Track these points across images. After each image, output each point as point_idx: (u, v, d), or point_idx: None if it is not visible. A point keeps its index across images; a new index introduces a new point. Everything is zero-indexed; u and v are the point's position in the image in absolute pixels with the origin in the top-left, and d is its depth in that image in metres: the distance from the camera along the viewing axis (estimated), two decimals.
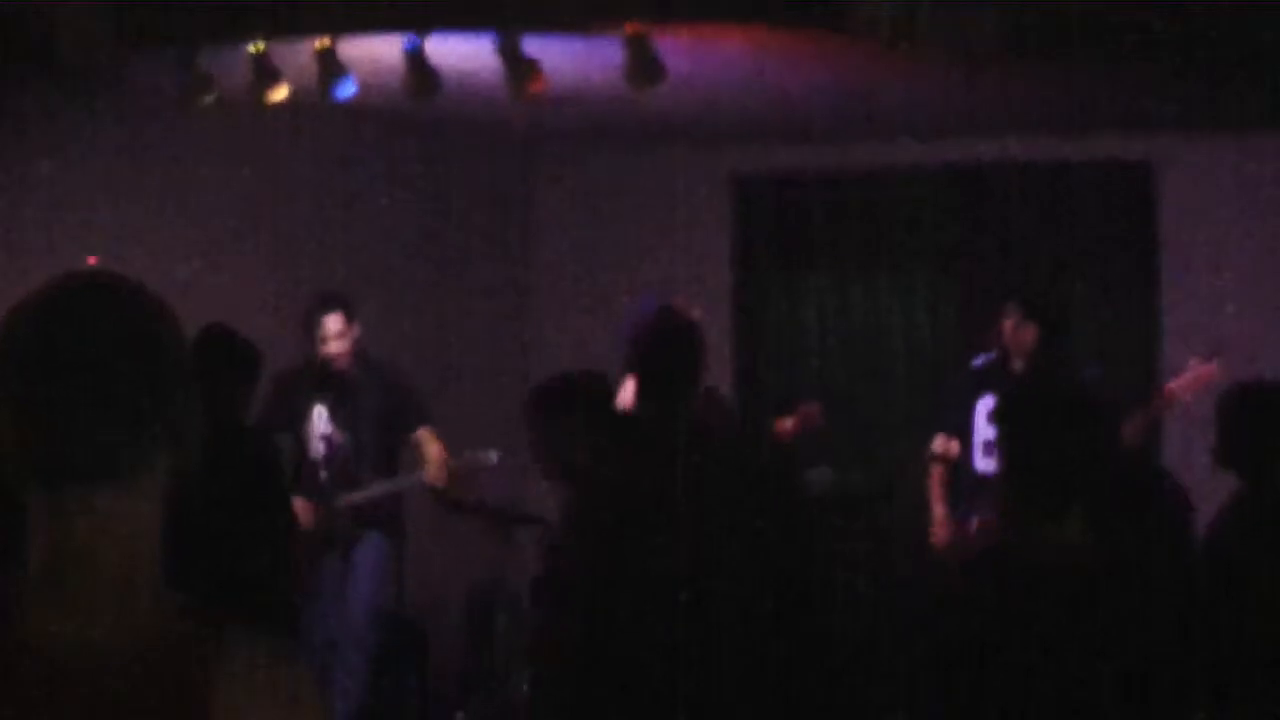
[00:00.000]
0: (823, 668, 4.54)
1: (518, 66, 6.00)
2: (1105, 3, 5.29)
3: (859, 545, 8.16)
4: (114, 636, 1.54)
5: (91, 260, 6.63)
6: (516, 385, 8.42)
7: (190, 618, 1.57)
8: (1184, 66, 6.13)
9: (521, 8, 5.63)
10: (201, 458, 1.64)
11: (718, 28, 5.93)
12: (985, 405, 6.28)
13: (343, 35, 6.04)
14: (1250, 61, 6.04)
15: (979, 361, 6.60)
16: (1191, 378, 6.23)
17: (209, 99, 6.34)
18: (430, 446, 6.72)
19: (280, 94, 6.33)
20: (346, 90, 6.27)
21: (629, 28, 5.70)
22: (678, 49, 6.00)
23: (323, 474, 6.72)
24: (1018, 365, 6.38)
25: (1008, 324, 6.33)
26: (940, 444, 6.64)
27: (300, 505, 6.49)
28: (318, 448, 6.73)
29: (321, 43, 6.09)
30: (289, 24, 5.82)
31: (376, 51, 6.18)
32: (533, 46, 5.98)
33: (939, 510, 6.56)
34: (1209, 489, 4.60)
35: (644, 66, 5.84)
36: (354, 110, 6.67)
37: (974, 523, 6.42)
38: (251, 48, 6.13)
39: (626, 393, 6.19)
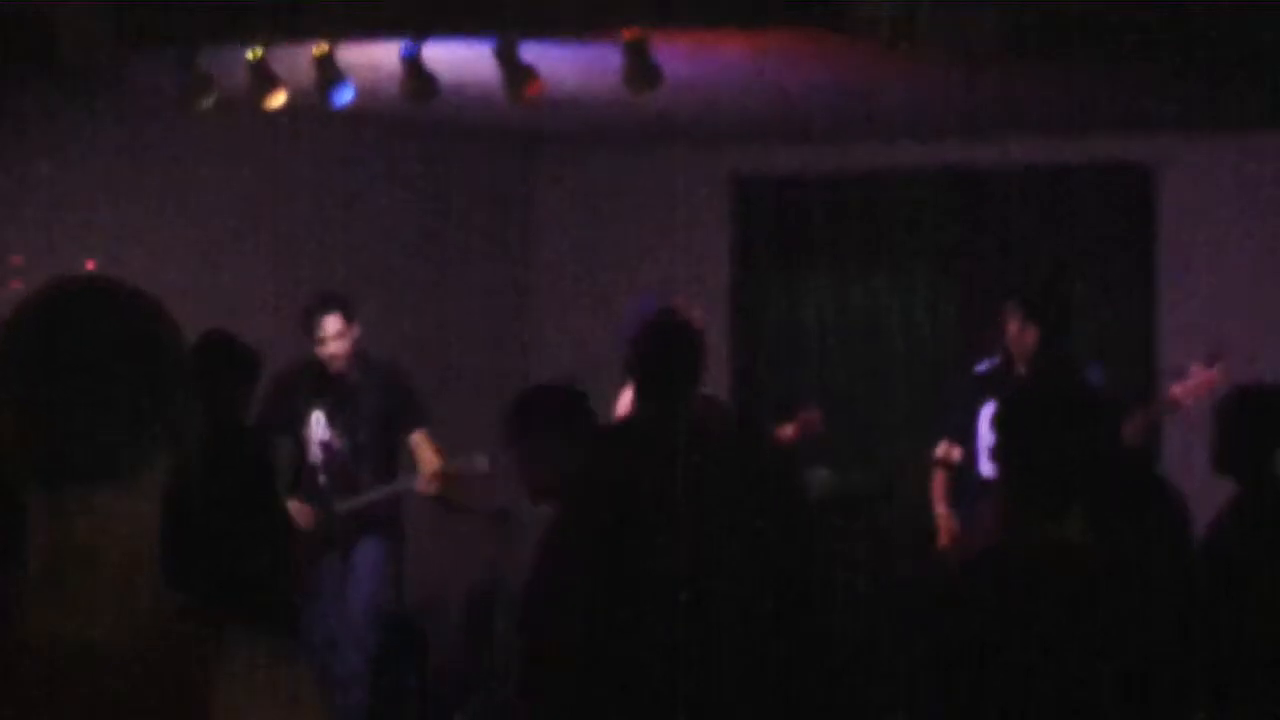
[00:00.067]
0: (823, 668, 4.54)
1: (515, 71, 6.01)
2: (1105, 2, 5.29)
3: (858, 545, 8.16)
4: (114, 636, 1.54)
5: (90, 264, 6.63)
6: (516, 386, 8.42)
7: (190, 618, 1.57)
8: (1184, 66, 6.13)
9: (519, 13, 5.63)
10: (201, 459, 1.64)
11: (717, 32, 5.93)
12: (989, 410, 6.27)
13: (341, 40, 6.04)
14: (1250, 61, 6.04)
15: (983, 366, 6.58)
16: (1194, 383, 6.22)
17: (208, 102, 6.34)
18: (424, 452, 6.70)
19: (278, 100, 6.32)
20: (345, 96, 6.27)
21: (627, 33, 5.70)
22: (676, 51, 6.00)
23: (321, 478, 6.71)
24: (1021, 369, 6.37)
25: (1010, 327, 6.31)
26: (943, 449, 6.63)
27: (298, 508, 6.49)
28: (316, 452, 6.71)
29: (320, 48, 6.09)
30: (287, 29, 5.81)
31: (375, 56, 6.18)
32: (530, 52, 5.99)
33: (942, 515, 6.56)
34: (1207, 494, 4.60)
35: (642, 71, 5.85)
36: (353, 113, 6.66)
37: (980, 527, 6.41)
38: (250, 54, 6.13)
39: (625, 399, 6.19)
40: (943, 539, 6.53)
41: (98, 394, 1.55)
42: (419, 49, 6.06)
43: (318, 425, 6.71)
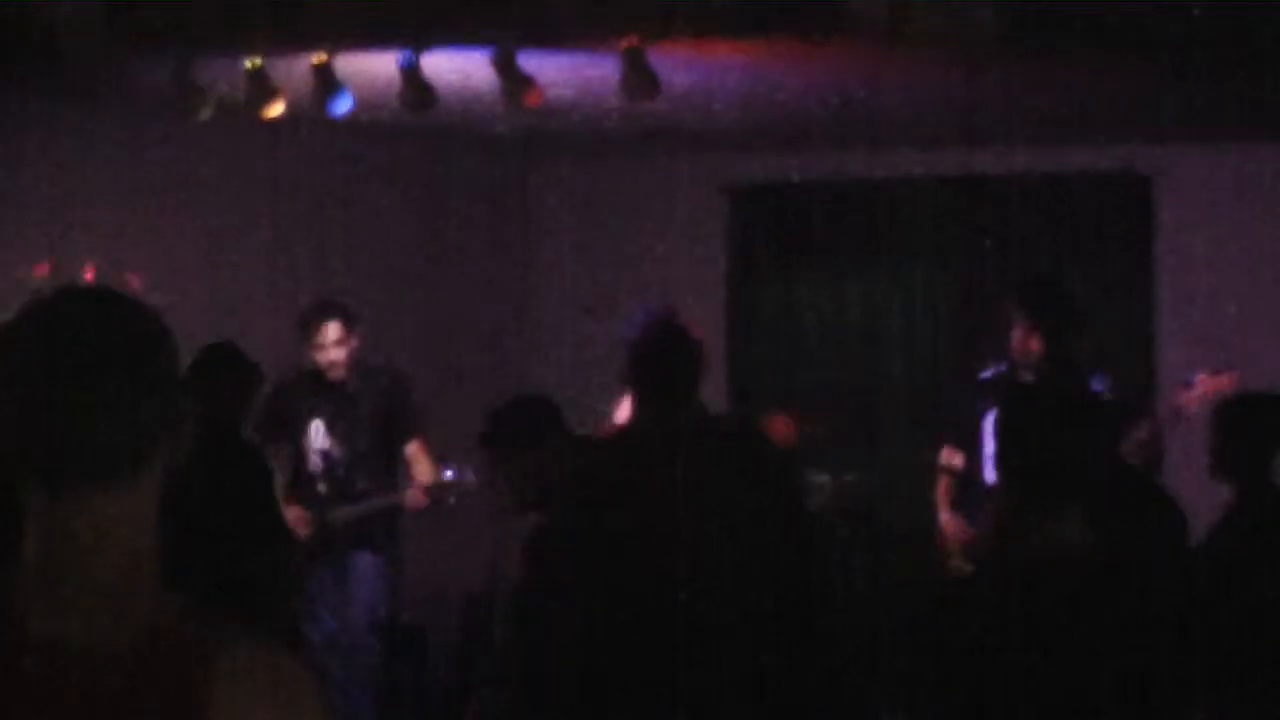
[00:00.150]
0: (823, 668, 4.54)
1: (514, 80, 6.01)
2: (1105, 2, 5.28)
3: (858, 546, 8.16)
4: (114, 637, 1.54)
5: (89, 274, 6.63)
6: (515, 391, 8.42)
7: (190, 619, 1.58)
8: (1183, 68, 6.12)
9: (517, 22, 5.63)
10: (200, 464, 1.65)
11: (714, 41, 5.93)
12: (993, 417, 6.23)
13: (339, 50, 6.04)
14: (1249, 66, 6.04)
15: (988, 373, 6.56)
16: (1200, 392, 6.18)
17: (205, 112, 6.34)
18: (419, 464, 6.69)
19: (276, 109, 6.32)
20: (343, 106, 6.27)
21: (624, 42, 5.70)
22: (674, 60, 6.00)
23: (320, 486, 6.69)
24: (1025, 377, 6.35)
25: (1015, 336, 6.28)
26: (947, 455, 6.61)
27: (295, 516, 6.47)
28: (315, 460, 6.70)
29: (318, 58, 6.09)
30: (285, 38, 5.81)
31: (373, 66, 6.18)
32: (528, 61, 5.99)
33: (945, 521, 6.54)
34: (1203, 502, 4.60)
35: (639, 80, 5.85)
36: (353, 119, 6.66)
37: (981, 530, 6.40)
38: (248, 63, 6.13)
39: (623, 408, 6.19)
40: (946, 546, 6.51)
41: (97, 396, 1.55)
42: (417, 58, 6.06)
43: (317, 434, 6.69)
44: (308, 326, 6.61)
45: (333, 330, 6.58)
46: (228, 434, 5.58)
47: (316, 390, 6.67)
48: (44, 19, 5.26)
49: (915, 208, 8.99)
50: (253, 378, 5.78)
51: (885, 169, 8.96)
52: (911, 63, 6.16)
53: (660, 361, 4.47)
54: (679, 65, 6.11)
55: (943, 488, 6.59)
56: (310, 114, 6.38)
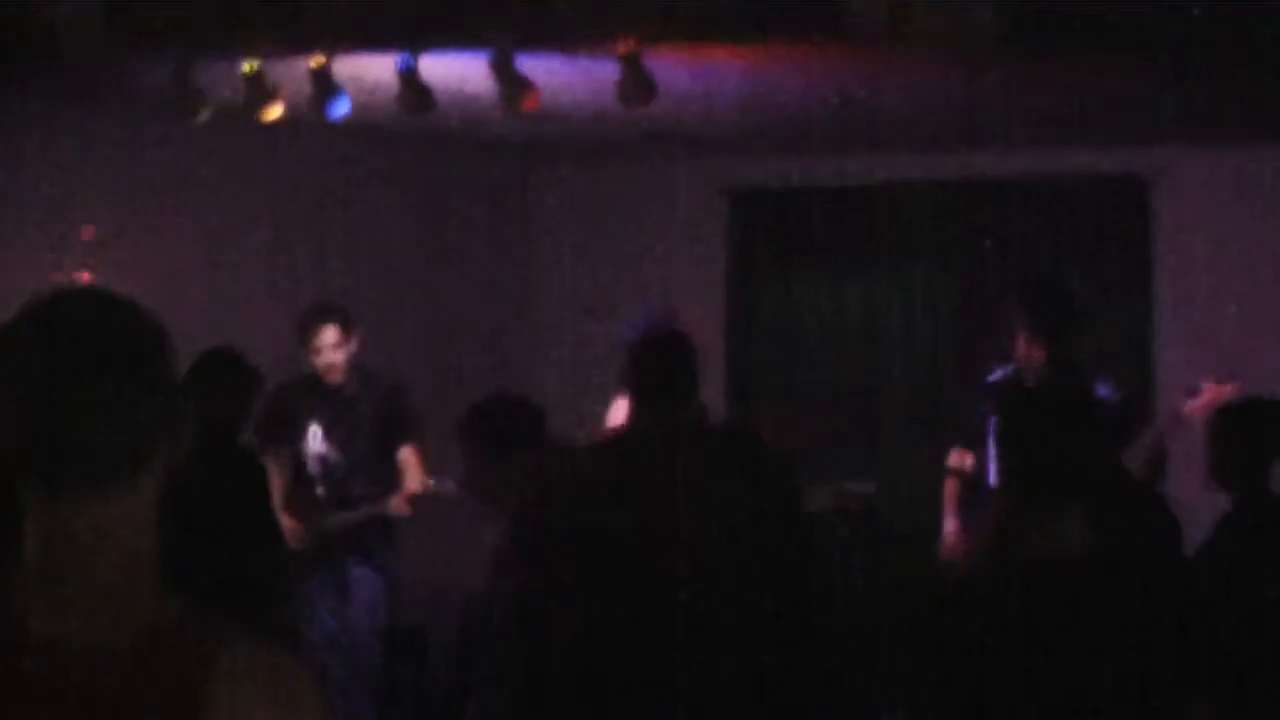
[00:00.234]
0: (823, 668, 4.54)
1: (511, 84, 6.01)
2: (1104, 2, 5.28)
3: (858, 545, 8.16)
4: (114, 637, 1.54)
5: (85, 276, 6.63)
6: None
7: (190, 619, 1.58)
8: (1182, 68, 6.12)
9: (515, 26, 5.63)
10: (198, 468, 1.65)
11: (712, 44, 5.93)
12: (994, 418, 6.22)
13: (337, 53, 6.04)
14: (1248, 64, 6.04)
15: (995, 376, 6.56)
16: (1206, 400, 6.16)
17: (204, 115, 6.34)
18: (410, 470, 6.68)
19: (275, 113, 6.32)
20: (341, 109, 6.27)
21: (622, 46, 5.70)
22: (672, 63, 6.00)
23: (318, 490, 6.69)
24: (1030, 381, 6.34)
25: (1018, 343, 6.28)
26: (956, 458, 6.60)
27: (288, 526, 6.47)
28: (313, 466, 6.69)
29: (316, 61, 6.09)
30: (283, 41, 5.81)
31: (372, 69, 6.18)
32: (526, 64, 5.99)
33: (951, 524, 6.53)
34: (1206, 508, 4.59)
35: (637, 84, 5.85)
36: (353, 122, 6.65)
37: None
38: (246, 67, 6.12)
39: (617, 412, 6.20)
40: (951, 549, 6.49)
41: (97, 397, 1.56)
42: (415, 62, 6.06)
43: (314, 439, 6.68)
44: (305, 330, 6.59)
45: (330, 334, 6.56)
46: (225, 438, 5.59)
47: (314, 395, 6.66)
48: (44, 19, 5.26)
49: (914, 210, 9.00)
50: (252, 382, 5.78)
51: (884, 172, 8.96)
52: (910, 65, 6.16)
53: (660, 364, 4.49)
54: (677, 68, 6.11)
55: (951, 490, 6.58)
56: (310, 116, 6.37)
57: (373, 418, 6.67)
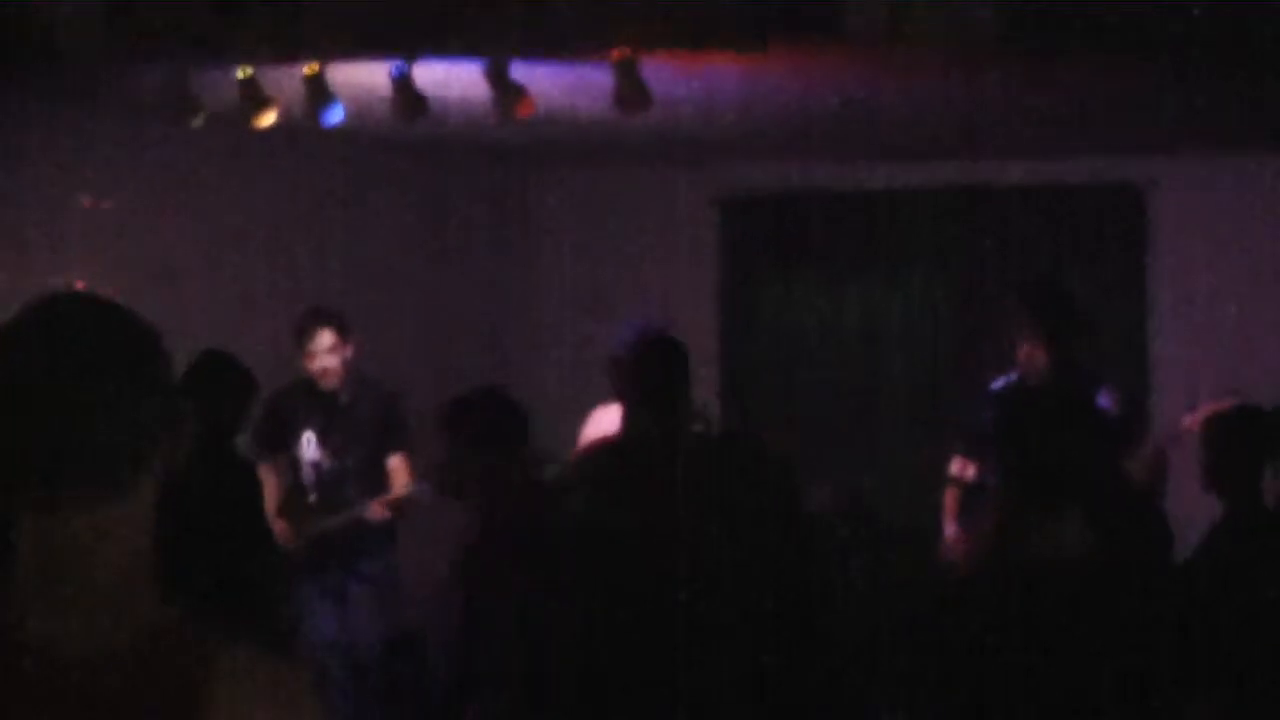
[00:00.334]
0: (823, 668, 4.55)
1: (506, 91, 6.01)
2: (1103, 3, 5.28)
3: (858, 545, 8.16)
4: (113, 638, 1.54)
5: (80, 284, 6.62)
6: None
7: (189, 620, 1.58)
8: (1179, 71, 6.13)
9: (509, 33, 5.62)
10: (194, 473, 1.65)
11: (708, 52, 5.92)
12: (995, 419, 6.20)
13: (331, 60, 6.03)
14: (1246, 68, 6.04)
15: (999, 384, 6.56)
16: (1204, 417, 6.14)
17: (198, 121, 6.34)
18: (398, 477, 6.67)
19: (268, 119, 6.31)
20: (335, 116, 6.27)
21: (616, 53, 5.69)
22: (668, 69, 5.99)
23: (312, 497, 6.68)
24: (1035, 387, 6.33)
25: (1021, 349, 6.27)
26: (957, 467, 6.59)
27: (282, 529, 6.46)
28: (307, 472, 6.68)
29: (310, 68, 6.09)
30: (278, 48, 5.80)
31: (365, 76, 6.18)
32: (521, 72, 5.99)
33: (951, 532, 6.53)
34: (1205, 519, 4.60)
35: (632, 91, 5.85)
36: (350, 128, 6.65)
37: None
38: (240, 72, 6.12)
39: (602, 419, 6.20)
40: (951, 552, 6.49)
41: (97, 399, 1.55)
42: (409, 69, 6.06)
43: (308, 445, 6.67)
44: (301, 334, 6.58)
45: (325, 338, 6.54)
46: (219, 441, 5.57)
47: (309, 401, 6.65)
48: (44, 20, 5.26)
49: (911, 216, 9.01)
50: (246, 385, 5.75)
51: (881, 177, 8.98)
52: (908, 69, 6.16)
53: (658, 368, 4.50)
54: (673, 74, 6.11)
55: (951, 499, 6.57)
56: (308, 124, 6.37)
57: (367, 424, 6.65)
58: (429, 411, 6.97)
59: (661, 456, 4.40)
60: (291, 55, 5.93)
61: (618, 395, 5.53)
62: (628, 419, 4.65)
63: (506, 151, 8.73)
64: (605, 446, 4.77)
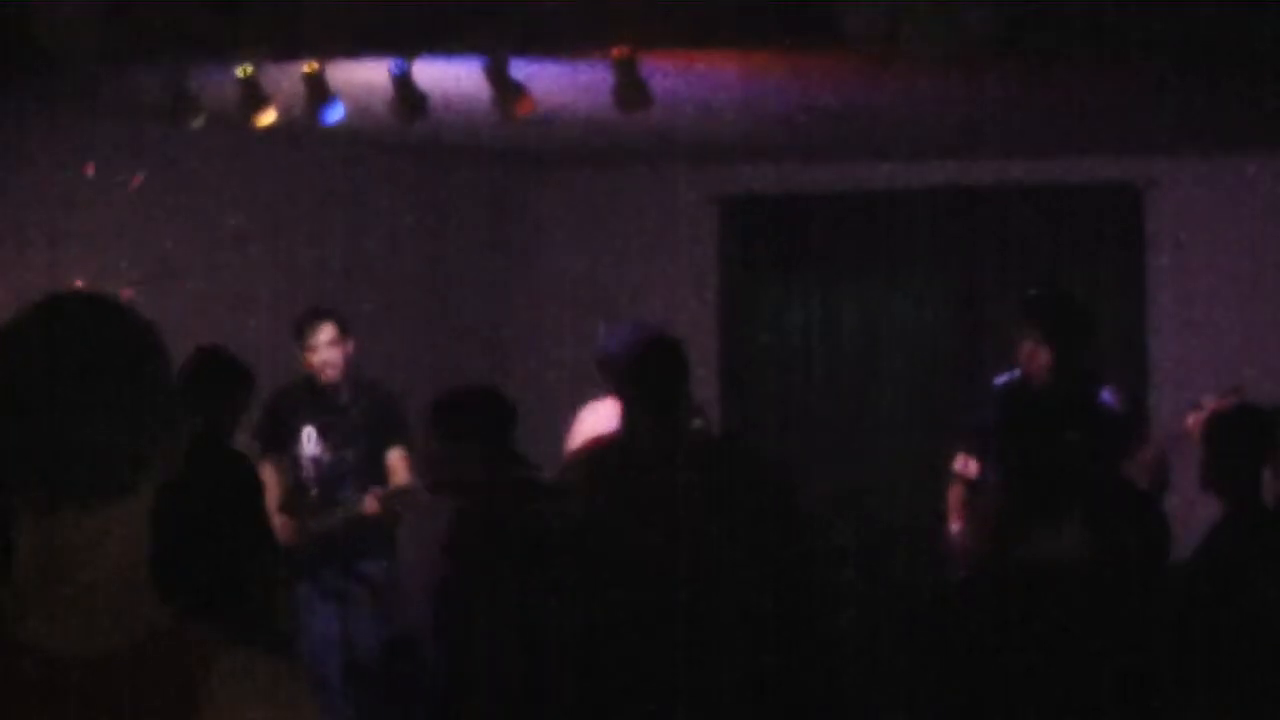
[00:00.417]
0: (823, 668, 4.55)
1: (506, 89, 6.01)
2: (1100, 5, 5.28)
3: (858, 545, 8.17)
4: (113, 639, 1.54)
5: (78, 284, 6.62)
6: (507, 394, 8.43)
7: (188, 620, 1.58)
8: (1175, 74, 6.13)
9: (509, 31, 5.62)
10: (189, 475, 1.65)
11: (707, 50, 5.92)
12: (996, 419, 6.19)
13: (331, 59, 6.03)
14: (1241, 71, 6.04)
15: (1002, 380, 6.56)
16: (1207, 415, 6.14)
17: (198, 121, 6.34)
18: (396, 473, 6.68)
19: (268, 118, 6.31)
20: (334, 115, 6.27)
21: (616, 51, 5.69)
22: (666, 69, 5.99)
23: (313, 493, 6.69)
24: (1036, 385, 6.33)
25: (1023, 349, 6.27)
26: (960, 463, 6.59)
27: (283, 524, 6.47)
28: (308, 469, 6.69)
29: (310, 66, 6.09)
30: (278, 46, 5.80)
31: (366, 75, 6.18)
32: (521, 70, 5.99)
33: (955, 529, 6.53)
34: (1206, 519, 4.59)
35: (632, 89, 5.85)
36: (350, 128, 6.65)
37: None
38: (240, 71, 6.13)
39: (588, 422, 6.20)
40: (954, 554, 6.48)
41: (98, 402, 1.55)
42: (409, 67, 6.06)
43: (309, 441, 6.68)
44: (302, 330, 6.60)
45: (326, 332, 6.57)
46: (217, 439, 5.55)
47: (310, 398, 6.67)
48: (44, 21, 5.26)
49: (909, 217, 9.01)
50: (243, 382, 5.72)
51: (880, 177, 8.98)
52: (906, 73, 6.16)
53: (659, 370, 4.51)
54: (673, 74, 6.11)
55: (954, 495, 6.57)
56: (307, 122, 6.37)
57: (367, 421, 6.67)
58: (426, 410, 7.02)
59: (661, 457, 4.40)
60: (291, 54, 5.93)
61: (613, 395, 5.53)
62: (627, 419, 4.65)
63: (506, 151, 8.73)
64: (603, 447, 4.76)
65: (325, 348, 6.57)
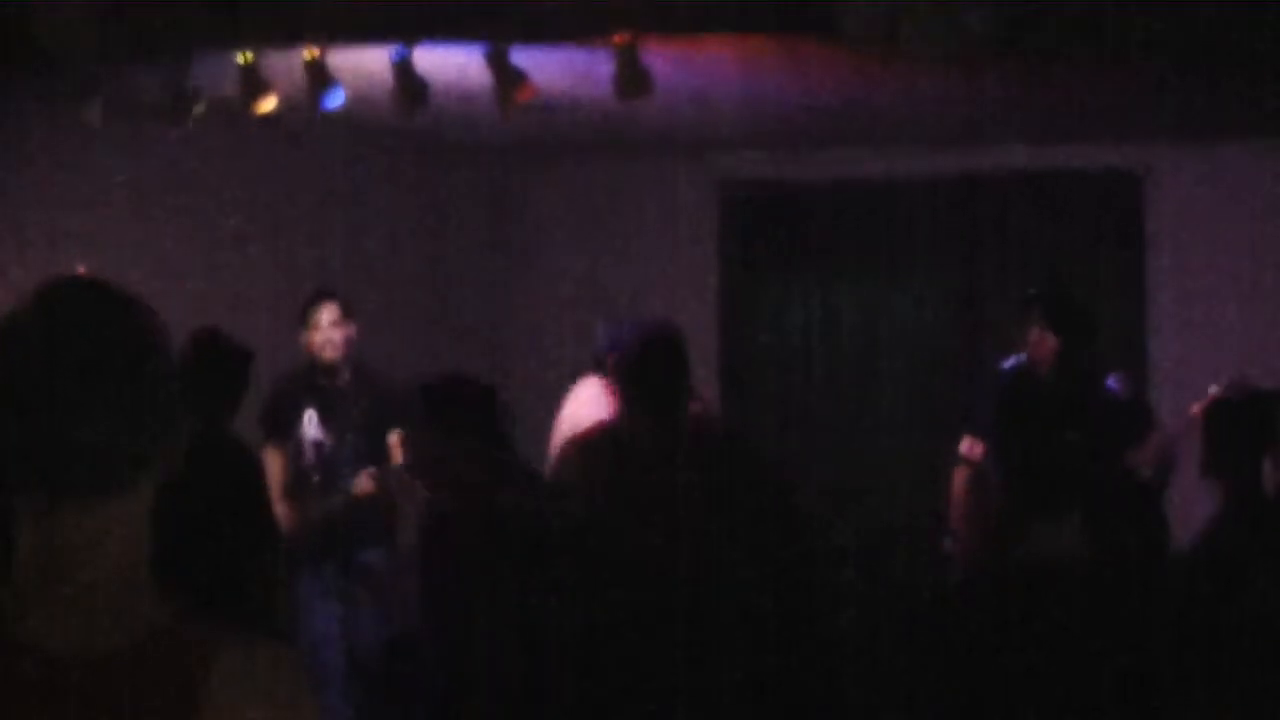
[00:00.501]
0: (823, 668, 4.55)
1: (506, 76, 6.01)
2: (1097, 4, 5.29)
3: (858, 546, 8.17)
4: (114, 638, 1.54)
5: (81, 270, 6.63)
6: (507, 389, 8.43)
7: (188, 619, 1.57)
8: (1174, 67, 6.13)
9: (510, 18, 5.62)
10: (186, 472, 1.64)
11: (707, 38, 5.92)
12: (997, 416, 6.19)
13: (332, 45, 6.03)
14: (1246, 61, 6.04)
15: (1009, 364, 6.57)
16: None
17: (198, 110, 6.34)
18: (395, 455, 6.69)
19: (269, 105, 6.32)
20: (335, 101, 6.28)
21: (617, 38, 5.69)
22: (667, 57, 5.99)
23: (315, 478, 6.70)
24: (1043, 371, 6.34)
25: (1030, 334, 6.28)
26: (967, 446, 6.59)
27: (285, 510, 6.47)
28: (309, 452, 6.71)
29: (311, 53, 6.09)
30: (278, 34, 5.80)
31: (366, 62, 6.18)
32: (521, 57, 5.99)
33: (958, 513, 6.52)
34: (1210, 508, 4.59)
35: (633, 77, 5.85)
36: (349, 119, 6.67)
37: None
38: (240, 58, 6.13)
39: (580, 399, 6.20)
40: (957, 539, 6.48)
41: (100, 401, 1.54)
42: (409, 54, 6.06)
43: (310, 424, 6.71)
44: (305, 312, 6.67)
45: (329, 311, 6.65)
46: (217, 432, 5.47)
47: (311, 382, 6.71)
48: (44, 22, 5.26)
49: (907, 206, 9.01)
50: (243, 365, 5.59)
51: (879, 167, 8.97)
52: (906, 64, 6.16)
53: (661, 366, 4.50)
54: (673, 64, 6.11)
55: (959, 478, 6.57)
56: (309, 115, 6.38)
57: (365, 411, 6.70)
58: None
59: (661, 457, 4.40)
60: (292, 41, 5.94)
61: (614, 393, 5.53)
62: (628, 419, 4.64)
63: (505, 145, 8.73)
64: (594, 438, 4.74)
65: (327, 327, 6.63)
